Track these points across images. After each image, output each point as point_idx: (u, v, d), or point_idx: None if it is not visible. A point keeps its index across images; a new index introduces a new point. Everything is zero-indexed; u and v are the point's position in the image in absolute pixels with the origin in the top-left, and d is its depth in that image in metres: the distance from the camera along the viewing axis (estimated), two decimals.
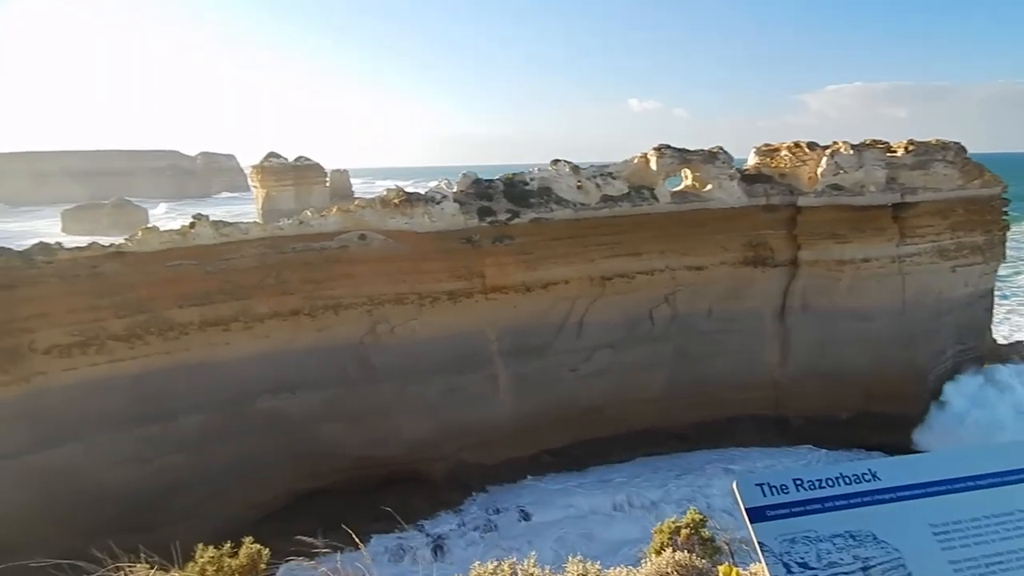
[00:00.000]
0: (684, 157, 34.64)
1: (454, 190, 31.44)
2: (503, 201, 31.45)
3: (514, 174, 33.44)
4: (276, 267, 27.56)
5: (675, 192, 34.99)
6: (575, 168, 33.22)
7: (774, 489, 2.99)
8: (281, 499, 26.75)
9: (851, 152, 34.72)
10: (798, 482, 3.02)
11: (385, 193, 30.87)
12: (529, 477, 30.63)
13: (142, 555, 5.84)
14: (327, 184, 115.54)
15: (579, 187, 32.55)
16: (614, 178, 33.27)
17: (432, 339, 29.58)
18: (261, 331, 27.31)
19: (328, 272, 28.26)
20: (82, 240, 27.64)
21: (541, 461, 31.47)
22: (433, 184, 32.91)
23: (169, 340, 25.75)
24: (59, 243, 25.66)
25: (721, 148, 35.39)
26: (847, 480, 3.04)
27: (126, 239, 26.33)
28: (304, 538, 6.14)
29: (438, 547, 26.01)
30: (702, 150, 35.15)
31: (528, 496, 29.43)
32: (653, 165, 33.71)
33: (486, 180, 32.71)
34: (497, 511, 28.40)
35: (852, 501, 2.98)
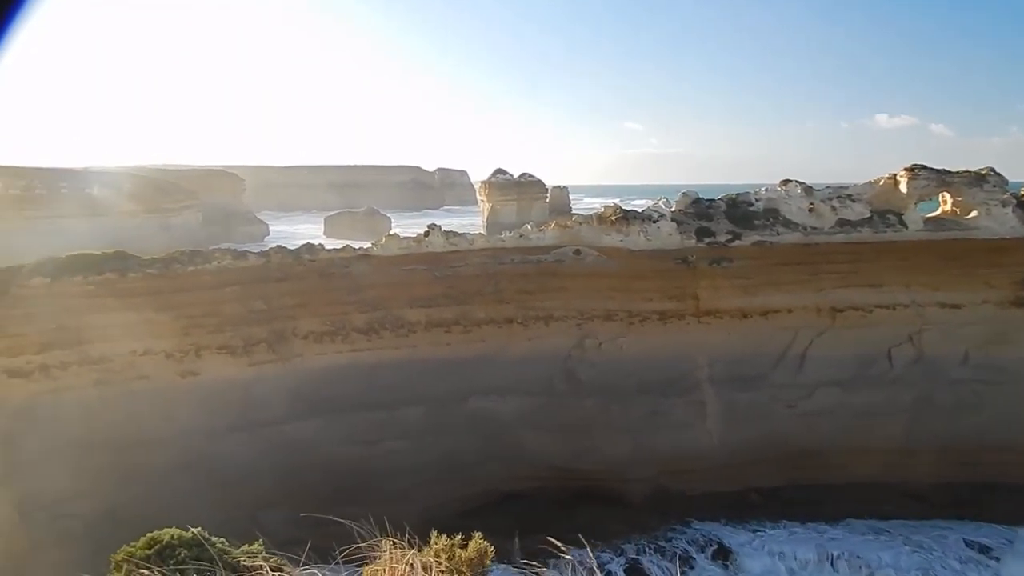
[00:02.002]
0: (943, 179, 30.48)
1: (672, 209, 30.84)
2: (724, 222, 30.16)
3: (738, 194, 31.92)
4: (495, 276, 29.14)
5: (929, 218, 30.91)
6: (807, 189, 30.83)
7: None
8: (481, 496, 28.05)
9: None
10: None
11: (602, 210, 31.20)
12: (733, 515, 28.80)
13: (406, 530, 6.10)
14: (547, 199, 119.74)
15: (811, 210, 30.14)
16: (853, 201, 30.29)
17: (639, 358, 29.21)
18: (478, 335, 29.03)
19: (542, 284, 29.24)
20: (338, 243, 31.60)
21: (748, 500, 29.44)
22: (639, 202, 32.60)
23: (400, 336, 28.40)
24: (321, 244, 29.65)
25: (992, 170, 30.58)
26: None
27: (372, 244, 29.59)
28: (520, 559, 6.31)
29: (633, 572, 25.47)
30: (967, 171, 30.65)
31: (731, 535, 27.69)
32: (903, 187, 30.12)
33: (707, 200, 31.62)
34: (697, 545, 27.11)
35: None
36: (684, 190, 32.43)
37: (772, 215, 30.26)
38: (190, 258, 27.19)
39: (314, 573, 5.21)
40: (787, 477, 29.60)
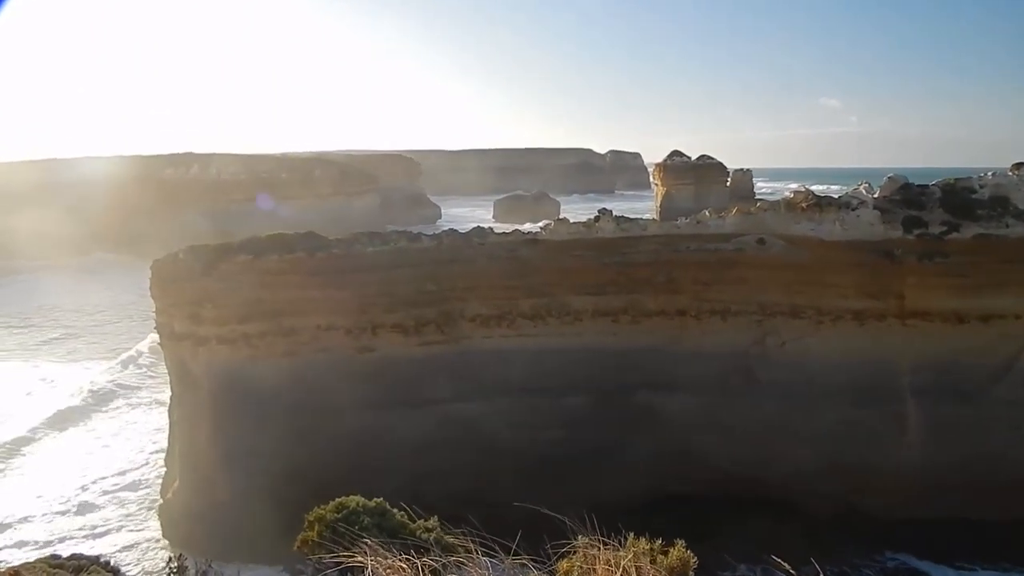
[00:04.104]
0: None
1: (875, 195, 28.25)
2: (938, 211, 27.10)
3: (957, 179, 28.52)
4: (668, 265, 28.53)
5: None
6: None
7: None
8: (644, 494, 27.63)
9: None
10: None
11: (791, 195, 29.39)
12: (936, 548, 25.97)
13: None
14: (728, 183, 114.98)
15: None
16: None
17: (828, 361, 27.22)
18: (647, 326, 28.62)
19: (719, 275, 28.18)
20: (507, 227, 32.59)
21: (961, 533, 26.35)
22: (818, 187, 30.13)
23: (565, 323, 28.76)
24: (490, 228, 30.77)
25: None
26: None
27: (541, 228, 30.17)
28: None
29: None
30: None
31: (933, 571, 25.06)
32: None
33: (918, 185, 28.56)
34: None
35: None
36: (890, 174, 29.55)
37: (1000, 204, 26.72)
38: (369, 239, 29.45)
39: (524, 563, 5.23)
40: (1009, 510, 26.10)
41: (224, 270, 27.45)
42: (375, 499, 6.91)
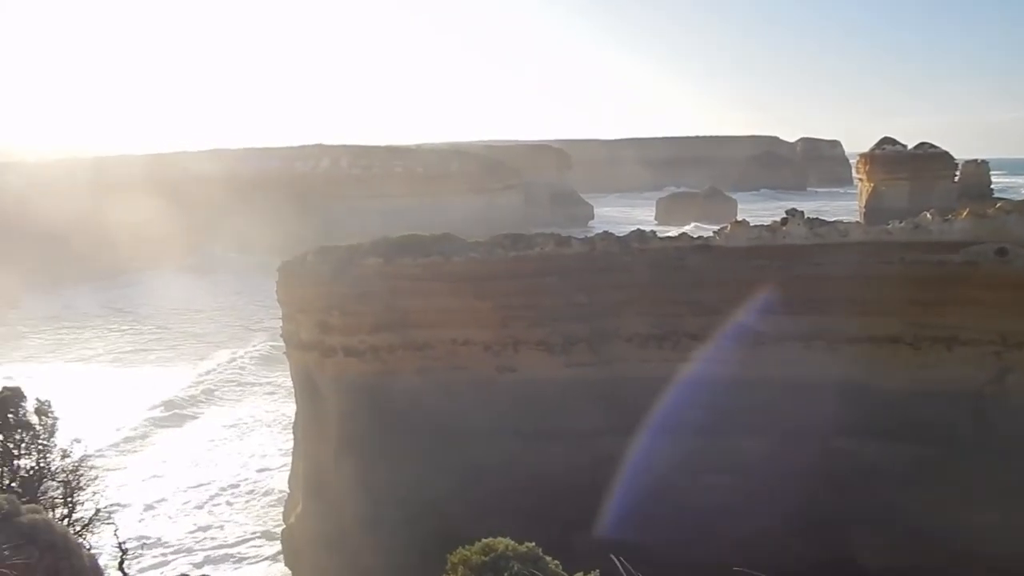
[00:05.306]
0: None
1: None
2: None
3: None
4: (876, 280, 27.32)
5: None
6: None
7: None
8: (833, 565, 26.27)
9: None
10: None
11: None
12: None
13: None
14: (956, 179, 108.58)
15: None
16: None
17: None
18: (847, 355, 27.45)
19: (945, 294, 26.60)
20: (673, 230, 32.29)
21: None
22: None
23: (743, 348, 27.99)
24: (652, 231, 30.60)
25: None
26: None
27: (714, 232, 29.60)
28: None
29: None
30: None
31: None
32: None
33: None
34: None
35: None
36: None
37: None
38: (512, 243, 30.15)
39: None
40: None
41: (354, 275, 29.17)
42: (526, 543, 7.05)
